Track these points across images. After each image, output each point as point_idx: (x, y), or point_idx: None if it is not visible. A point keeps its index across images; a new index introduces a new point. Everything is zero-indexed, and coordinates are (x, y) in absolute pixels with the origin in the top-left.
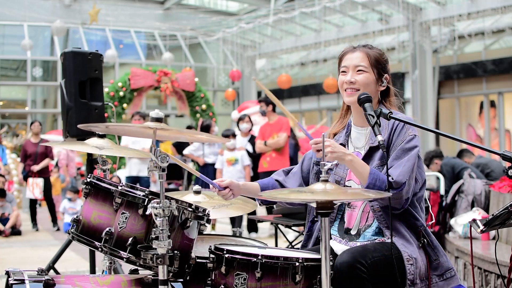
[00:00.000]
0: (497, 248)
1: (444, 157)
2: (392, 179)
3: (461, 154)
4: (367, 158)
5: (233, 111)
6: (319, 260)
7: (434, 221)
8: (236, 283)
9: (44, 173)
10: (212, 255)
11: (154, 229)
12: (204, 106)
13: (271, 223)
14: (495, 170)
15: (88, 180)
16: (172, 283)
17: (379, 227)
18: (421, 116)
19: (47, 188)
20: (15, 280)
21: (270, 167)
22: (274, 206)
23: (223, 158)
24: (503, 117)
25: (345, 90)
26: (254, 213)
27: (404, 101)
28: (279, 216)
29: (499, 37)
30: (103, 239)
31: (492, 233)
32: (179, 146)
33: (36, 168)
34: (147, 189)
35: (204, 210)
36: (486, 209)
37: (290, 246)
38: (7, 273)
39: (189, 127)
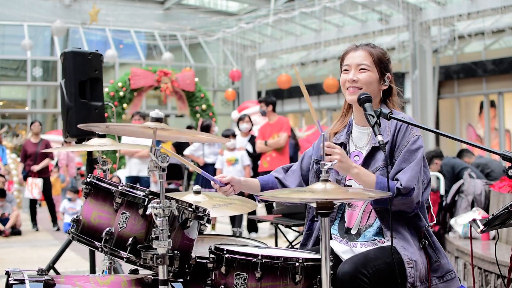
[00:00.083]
0: (497, 248)
1: (444, 157)
2: (401, 185)
3: (461, 154)
4: (369, 158)
5: (233, 111)
6: (319, 260)
7: (435, 221)
8: (236, 283)
9: (44, 173)
10: (212, 255)
11: (154, 229)
12: (204, 106)
13: (271, 223)
14: (495, 170)
15: (88, 180)
16: (172, 283)
17: (380, 227)
18: (421, 116)
19: (47, 188)
20: (15, 280)
21: (270, 167)
22: (274, 204)
23: (223, 158)
24: (503, 117)
25: (347, 89)
26: (254, 213)
27: (404, 101)
28: (279, 216)
29: (499, 37)
30: (103, 239)
31: (492, 233)
32: (179, 146)
33: (36, 168)
34: (147, 189)
35: (204, 210)
36: (486, 209)
37: (290, 246)
38: (7, 273)
39: (189, 127)
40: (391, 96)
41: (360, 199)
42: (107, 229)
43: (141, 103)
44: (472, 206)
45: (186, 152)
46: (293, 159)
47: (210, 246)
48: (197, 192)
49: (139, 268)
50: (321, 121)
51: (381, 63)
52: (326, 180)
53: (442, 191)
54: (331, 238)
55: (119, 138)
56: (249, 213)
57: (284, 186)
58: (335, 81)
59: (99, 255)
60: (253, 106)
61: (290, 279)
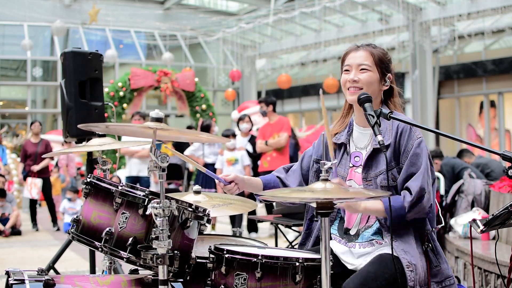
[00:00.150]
0: (497, 248)
1: (444, 157)
2: (411, 194)
3: (461, 154)
4: (371, 160)
5: (233, 111)
6: (319, 260)
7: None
8: (236, 283)
9: (44, 173)
10: (212, 255)
11: (154, 229)
12: (204, 106)
13: (271, 223)
14: (495, 170)
15: (88, 180)
16: (172, 283)
17: (379, 228)
18: (421, 116)
19: (47, 188)
20: (15, 280)
21: (270, 167)
22: (274, 204)
23: (223, 158)
24: (503, 117)
25: (348, 89)
26: (254, 213)
27: (404, 101)
28: (279, 216)
29: (499, 37)
30: (103, 239)
31: (492, 233)
32: (179, 147)
33: (36, 168)
34: (147, 189)
35: (204, 210)
36: (486, 209)
37: (290, 246)
38: (7, 273)
39: (189, 127)
40: (392, 97)
41: (360, 199)
42: (107, 229)
43: (141, 103)
44: (472, 206)
45: (186, 152)
46: (293, 159)
47: (210, 246)
48: (197, 192)
49: (139, 268)
50: (321, 121)
51: (382, 63)
52: (326, 180)
53: (442, 191)
54: (330, 238)
55: (119, 138)
56: (249, 213)
57: (285, 186)
58: (335, 81)
59: (99, 255)
60: (253, 106)
61: (290, 279)
